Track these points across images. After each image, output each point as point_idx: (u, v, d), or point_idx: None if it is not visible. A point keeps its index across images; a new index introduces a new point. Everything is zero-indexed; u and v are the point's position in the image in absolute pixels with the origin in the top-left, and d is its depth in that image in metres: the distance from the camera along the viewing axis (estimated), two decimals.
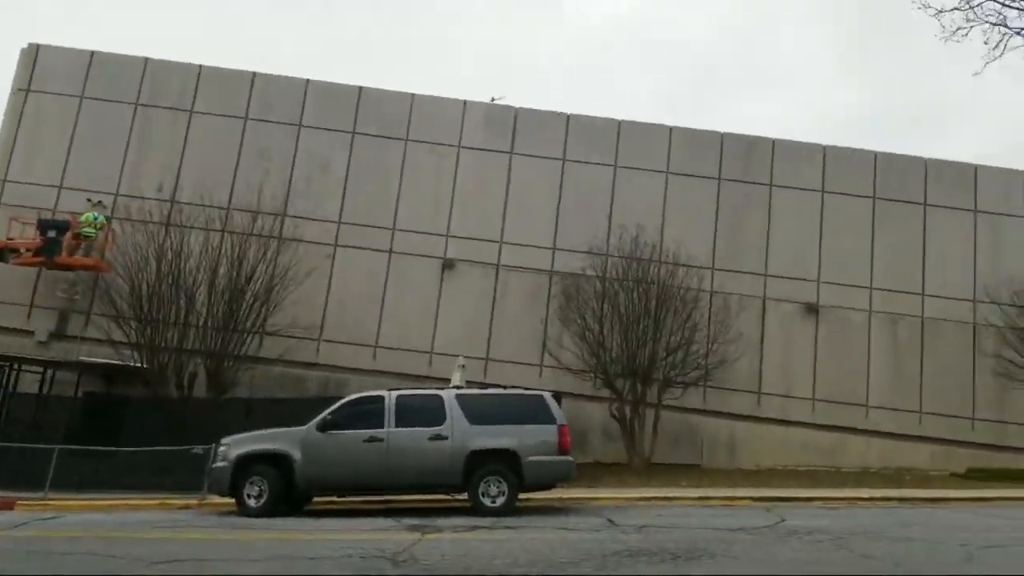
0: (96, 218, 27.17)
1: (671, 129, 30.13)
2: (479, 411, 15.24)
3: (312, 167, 29.39)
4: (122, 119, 29.38)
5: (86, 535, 12.18)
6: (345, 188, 29.19)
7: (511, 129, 29.64)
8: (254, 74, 30.29)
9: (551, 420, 15.28)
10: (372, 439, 14.82)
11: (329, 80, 30.56)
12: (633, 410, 25.55)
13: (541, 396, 15.78)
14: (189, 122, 29.61)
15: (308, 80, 30.27)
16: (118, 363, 24.63)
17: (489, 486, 14.65)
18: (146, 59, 30.10)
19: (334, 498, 16.26)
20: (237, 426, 17.23)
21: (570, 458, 15.27)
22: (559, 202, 29.15)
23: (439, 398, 15.46)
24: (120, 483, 19.28)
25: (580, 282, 26.60)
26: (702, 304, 26.92)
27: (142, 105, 29.64)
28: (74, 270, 27.33)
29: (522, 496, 15.23)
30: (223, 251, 25.13)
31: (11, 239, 27.01)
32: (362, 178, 29.32)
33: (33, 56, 29.86)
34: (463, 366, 22.85)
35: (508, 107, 30.16)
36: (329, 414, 15.18)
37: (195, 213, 25.94)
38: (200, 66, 30.23)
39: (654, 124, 30.15)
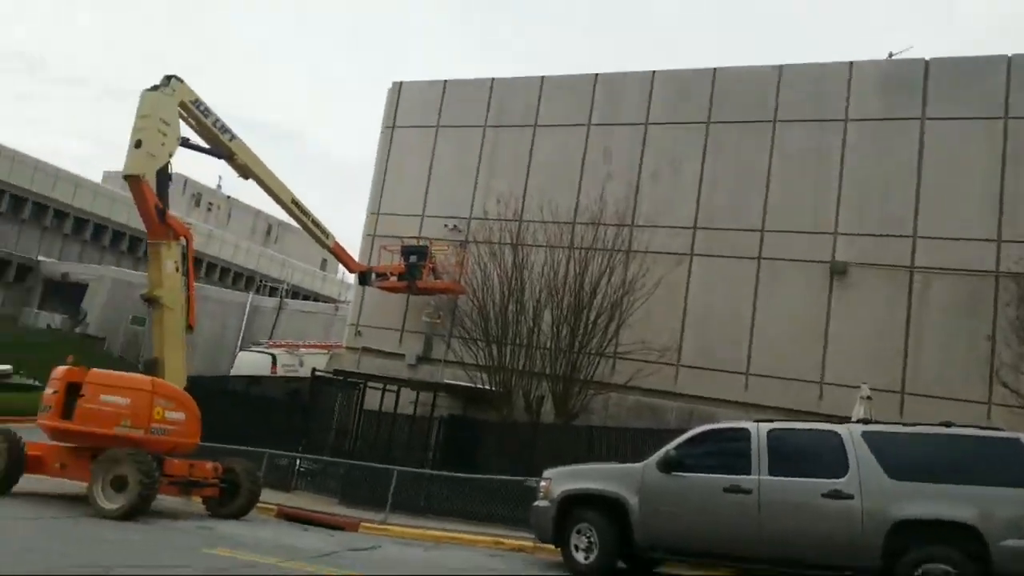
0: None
1: None
2: (904, 459, 8.63)
3: (661, 168, 21.43)
4: (473, 143, 24.41)
5: None
6: (700, 187, 20.61)
7: (920, 88, 18.74)
8: (596, 76, 22.97)
9: None
10: (734, 488, 9.17)
11: (676, 68, 22.00)
12: None
13: (1017, 441, 8.50)
14: (533, 138, 23.27)
15: (654, 72, 22.14)
16: (470, 386, 19.97)
17: None
18: (492, 79, 24.55)
19: None
20: (578, 456, 13.88)
21: None
22: (1002, 177, 17.49)
23: (837, 436, 9.04)
24: (463, 511, 15.40)
25: None
26: None
27: (490, 127, 24.14)
28: (433, 294, 23.03)
29: None
30: (568, 267, 18.94)
31: (378, 265, 23.78)
32: (720, 174, 20.65)
33: (397, 93, 26.07)
34: (868, 397, 14.03)
35: (915, 60, 19.13)
36: (673, 449, 9.81)
37: (538, 230, 20.11)
38: (542, 78, 23.94)
39: None
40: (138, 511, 10.81)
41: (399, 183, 25.15)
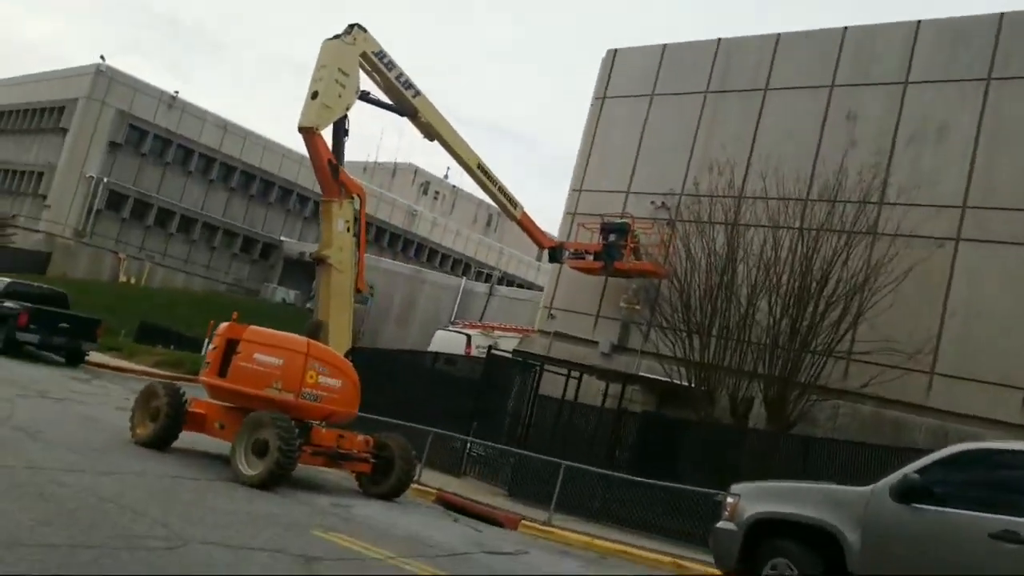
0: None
1: None
2: None
3: (920, 134, 17.50)
4: (689, 113, 21.94)
5: None
6: (973, 158, 16.54)
7: None
8: (844, 30, 19.56)
9: None
10: (1009, 536, 6.33)
11: (948, 16, 17.99)
12: None
13: None
14: (762, 104, 20.41)
15: (919, 22, 18.37)
16: (667, 380, 17.72)
17: None
18: (718, 40, 22.08)
19: None
20: (791, 472, 12.09)
21: None
22: None
23: None
24: (641, 521, 13.47)
25: None
26: None
27: (711, 92, 21.77)
28: (632, 276, 21.03)
29: None
30: (796, 246, 16.09)
31: (572, 242, 22.24)
32: (1001, 142, 16.34)
33: (610, 62, 24.56)
34: None
35: None
36: (916, 472, 7.13)
37: (758, 206, 17.36)
38: (777, 35, 20.92)
39: None
40: (275, 479, 10.12)
41: (605, 158, 23.41)
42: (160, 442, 11.39)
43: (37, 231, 47.00)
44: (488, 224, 72.49)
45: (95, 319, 21.98)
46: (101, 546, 5.93)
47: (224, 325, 11.96)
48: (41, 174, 48.76)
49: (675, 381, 17.20)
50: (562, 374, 18.55)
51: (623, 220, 20.78)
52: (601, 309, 22.14)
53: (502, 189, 18.94)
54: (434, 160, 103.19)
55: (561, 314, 22.87)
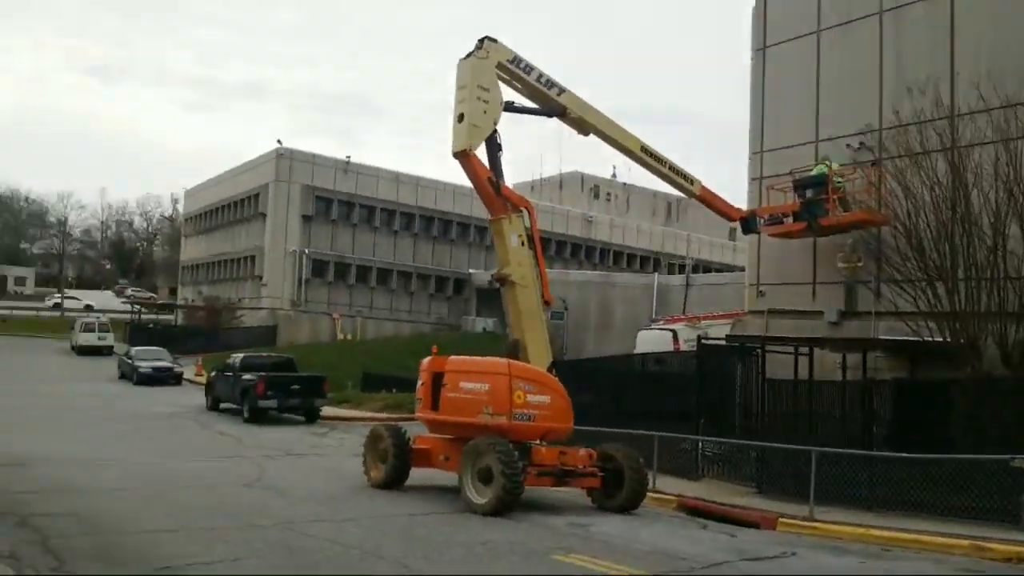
0: (826, 165, 18.15)
1: None
2: None
3: None
4: (867, 39, 19.61)
5: None
6: None
7: None
8: None
9: None
10: None
11: None
12: None
13: None
14: (952, 6, 17.77)
15: None
16: (914, 339, 15.53)
17: None
18: None
19: None
20: None
21: None
22: None
23: None
24: (921, 503, 11.72)
25: None
26: None
27: (887, 11, 19.15)
28: (845, 231, 18.84)
29: None
30: None
31: (764, 207, 20.34)
32: None
33: (762, 10, 22.55)
34: None
35: None
36: None
37: (979, 121, 15.03)
38: None
39: None
40: (505, 505, 9.92)
41: (781, 111, 21.46)
42: (393, 482, 11.67)
43: (260, 308, 52.12)
44: (668, 214, 70.54)
45: (320, 376, 23.83)
46: None
47: (426, 360, 12.09)
48: (253, 257, 54.17)
49: (925, 339, 15.15)
50: (788, 353, 17.03)
51: (818, 170, 18.87)
52: (817, 275, 20.09)
53: (673, 167, 17.90)
54: (598, 159, 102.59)
55: (771, 289, 21.18)
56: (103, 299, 74.86)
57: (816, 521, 11.14)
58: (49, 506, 9.10)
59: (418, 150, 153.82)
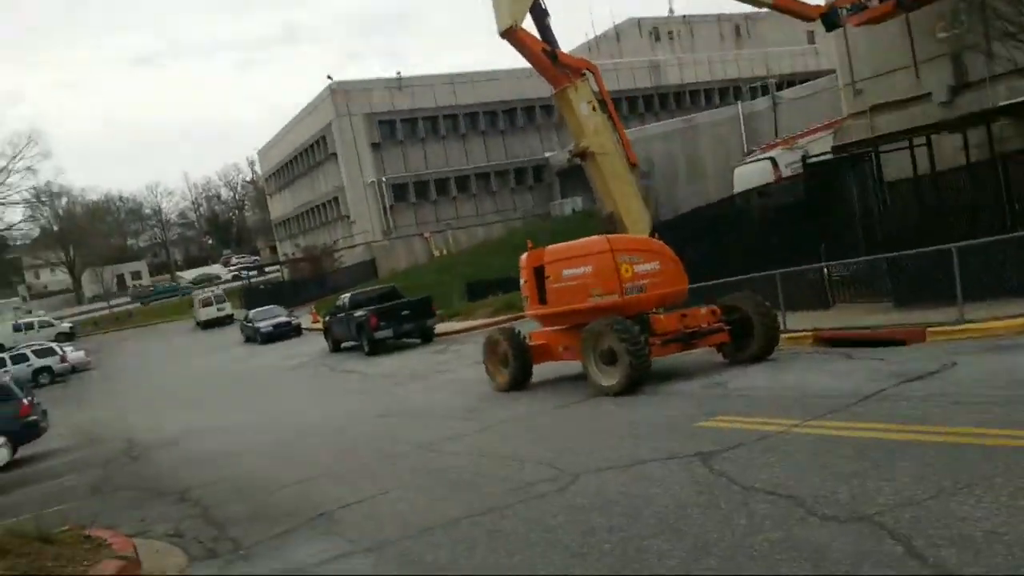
0: None
1: None
2: None
3: None
4: None
5: None
6: None
7: None
8: None
9: None
10: None
11: None
12: None
13: None
14: None
15: None
16: None
17: None
18: None
19: None
20: None
21: None
22: None
23: None
24: None
25: None
26: None
27: None
28: None
29: None
30: None
31: None
32: None
33: None
34: None
35: None
36: None
37: None
38: None
39: None
40: (635, 382, 9.66)
41: None
42: (518, 383, 11.64)
43: (355, 245, 53.20)
44: (738, 35, 65.96)
45: (426, 297, 24.14)
46: (496, 509, 5.80)
47: (524, 256, 11.76)
48: (336, 198, 54.91)
49: None
50: (903, 148, 15.60)
51: None
52: (916, 53, 18.33)
53: None
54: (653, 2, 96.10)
55: (869, 84, 19.41)
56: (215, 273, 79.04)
57: (968, 322, 10.31)
58: (204, 476, 9.54)
59: (465, 48, 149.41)
